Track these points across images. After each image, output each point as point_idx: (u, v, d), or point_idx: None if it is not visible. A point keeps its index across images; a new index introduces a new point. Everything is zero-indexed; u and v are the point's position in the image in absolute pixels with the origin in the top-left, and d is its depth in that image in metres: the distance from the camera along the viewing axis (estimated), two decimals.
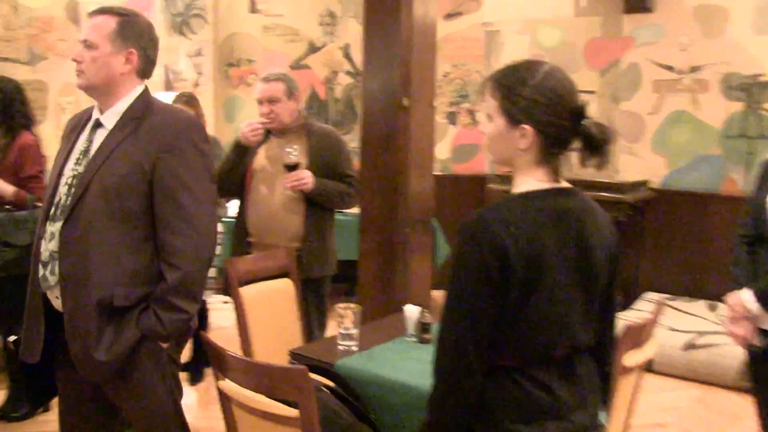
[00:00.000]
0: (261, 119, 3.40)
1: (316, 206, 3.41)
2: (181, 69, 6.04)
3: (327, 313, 3.58)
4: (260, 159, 3.45)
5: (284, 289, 3.20)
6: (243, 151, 3.43)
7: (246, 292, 3.04)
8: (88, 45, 2.18)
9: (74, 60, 2.21)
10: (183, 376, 4.39)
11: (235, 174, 3.45)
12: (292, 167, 3.30)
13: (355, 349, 2.60)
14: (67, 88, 5.49)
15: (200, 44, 6.09)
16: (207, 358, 4.44)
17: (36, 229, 2.29)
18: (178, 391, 2.38)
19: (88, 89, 2.23)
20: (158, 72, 5.98)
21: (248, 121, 3.42)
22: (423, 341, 2.69)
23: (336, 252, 3.59)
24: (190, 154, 2.19)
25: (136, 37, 2.22)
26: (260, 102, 3.45)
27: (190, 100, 4.44)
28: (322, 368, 2.48)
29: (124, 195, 2.13)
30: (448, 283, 1.59)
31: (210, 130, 4.90)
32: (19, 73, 4.65)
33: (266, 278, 3.17)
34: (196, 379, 4.35)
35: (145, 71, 2.27)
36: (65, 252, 2.14)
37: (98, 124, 2.24)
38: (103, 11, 2.22)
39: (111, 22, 2.18)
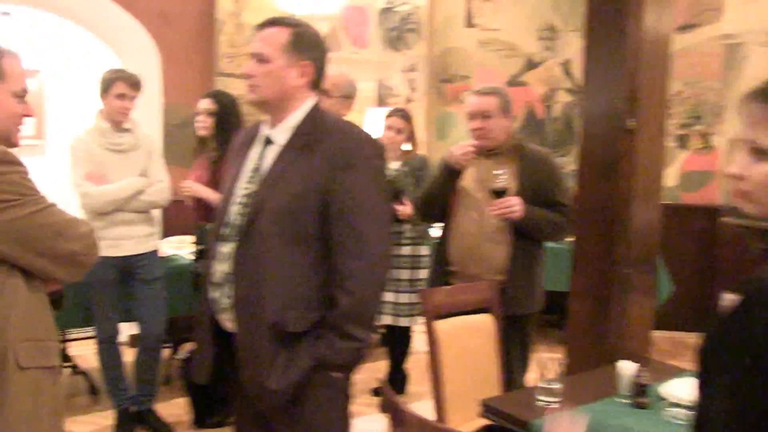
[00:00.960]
0: (472, 142, 3.16)
1: (523, 237, 3.11)
2: (394, 84, 5.96)
3: (530, 355, 3.26)
4: (466, 182, 3.21)
5: (484, 325, 2.93)
6: (452, 175, 3.20)
7: (442, 326, 2.80)
8: (261, 58, 2.07)
9: (246, 75, 2.11)
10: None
11: (441, 198, 3.24)
12: (499, 193, 3.03)
13: (556, 406, 2.27)
14: None
15: (414, 59, 5.98)
16: (401, 385, 4.31)
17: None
18: (349, 426, 2.23)
19: (261, 104, 2.13)
20: (371, 87, 6.02)
21: (459, 143, 3.21)
22: (638, 405, 2.29)
23: (543, 287, 3.27)
24: (365, 172, 2.06)
25: (309, 48, 2.10)
26: (471, 116, 3.21)
27: (404, 115, 4.31)
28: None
29: (298, 215, 2.02)
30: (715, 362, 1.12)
31: (422, 148, 4.72)
32: (238, 88, 4.75)
33: (465, 312, 2.92)
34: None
35: (316, 83, 2.15)
36: (240, 274, 2.06)
37: (269, 141, 2.14)
38: (274, 22, 2.12)
39: (284, 34, 2.08)
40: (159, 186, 3.68)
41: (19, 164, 1.72)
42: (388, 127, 4.25)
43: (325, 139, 2.07)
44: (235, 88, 4.56)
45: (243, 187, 2.13)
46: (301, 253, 2.05)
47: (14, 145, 1.84)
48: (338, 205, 2.02)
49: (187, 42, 5.36)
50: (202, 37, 5.39)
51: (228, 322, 2.12)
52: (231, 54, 5.38)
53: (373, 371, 4.31)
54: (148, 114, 4.98)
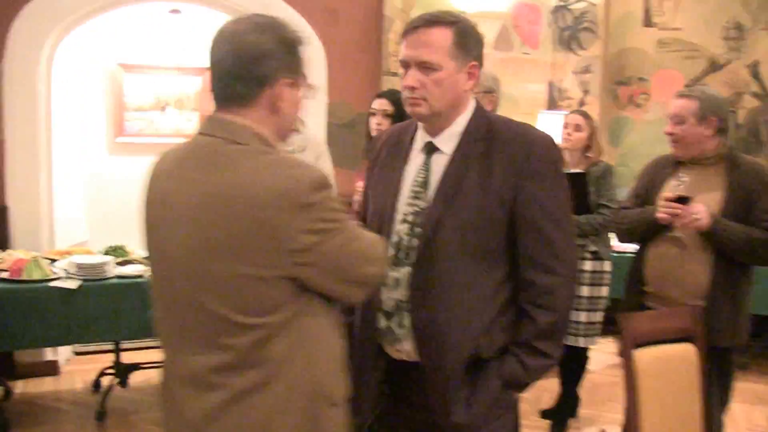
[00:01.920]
0: (670, 195, 2.82)
1: (728, 259, 2.77)
2: (567, 87, 5.65)
3: (730, 390, 2.92)
4: (667, 194, 2.89)
5: (686, 357, 2.63)
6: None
7: (641, 356, 2.52)
8: (427, 66, 1.81)
9: (408, 87, 1.84)
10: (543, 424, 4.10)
11: (646, 231, 2.96)
12: (681, 200, 2.74)
13: None
14: None
15: (588, 60, 5.64)
16: (573, 409, 4.04)
17: None
18: None
19: (431, 118, 1.88)
20: (541, 89, 5.75)
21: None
22: None
23: (749, 316, 2.91)
24: (552, 179, 1.86)
25: (474, 46, 1.88)
26: (669, 119, 2.92)
27: (585, 114, 4.03)
28: None
29: (482, 231, 1.83)
30: None
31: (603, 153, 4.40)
32: None
33: (664, 341, 2.62)
34: (559, 430, 3.96)
35: (474, 84, 1.91)
36: (418, 301, 1.88)
37: (431, 149, 1.92)
38: (432, 22, 1.85)
39: (447, 35, 1.83)
40: None
41: (331, 186, 1.54)
42: (568, 125, 3.97)
43: (502, 144, 1.86)
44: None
45: (407, 203, 1.93)
46: (487, 272, 1.87)
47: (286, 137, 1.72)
48: (528, 217, 1.84)
49: (354, 40, 5.28)
50: (369, 35, 5.29)
51: (399, 352, 1.95)
52: (398, 53, 5.26)
53: (541, 390, 4.06)
54: (313, 113, 4.94)
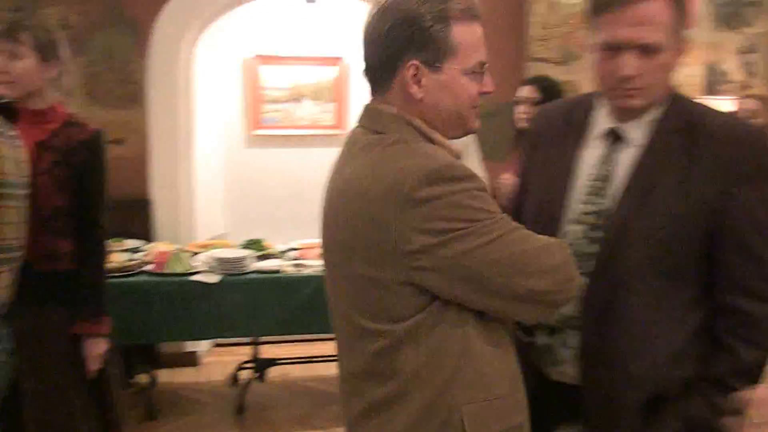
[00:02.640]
0: None
1: None
2: (728, 69, 5.18)
3: None
4: None
5: None
6: None
7: None
8: (648, 49, 1.50)
9: (625, 77, 1.53)
10: None
11: None
12: None
13: None
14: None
15: (753, 39, 5.14)
16: None
17: None
18: None
19: (644, 109, 1.60)
20: (697, 72, 5.30)
21: None
22: None
23: None
24: (766, 186, 1.52)
25: (686, 16, 1.55)
26: None
27: (763, 99, 3.63)
28: None
29: (677, 243, 1.54)
30: None
31: None
32: (552, 74, 4.35)
33: None
34: None
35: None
36: (590, 319, 1.61)
37: (616, 137, 1.63)
38: None
39: (666, 7, 1.51)
40: None
41: (467, 179, 1.33)
42: (741, 112, 3.60)
43: (706, 139, 1.55)
44: (550, 74, 4.16)
45: (582, 200, 1.65)
46: (676, 291, 1.57)
47: (471, 131, 1.50)
48: (737, 230, 1.54)
49: (494, 25, 5.02)
50: (511, 19, 5.04)
51: (559, 374, 1.70)
52: (544, 37, 4.97)
53: None
54: None
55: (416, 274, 1.32)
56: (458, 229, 1.29)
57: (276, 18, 5.59)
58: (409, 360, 1.37)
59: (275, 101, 5.66)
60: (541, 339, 1.71)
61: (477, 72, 1.43)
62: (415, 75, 1.39)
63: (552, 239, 1.45)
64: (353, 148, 1.45)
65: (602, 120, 1.67)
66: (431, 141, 1.42)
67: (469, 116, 1.45)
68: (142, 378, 4.33)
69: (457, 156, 1.49)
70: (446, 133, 1.45)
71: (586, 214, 1.64)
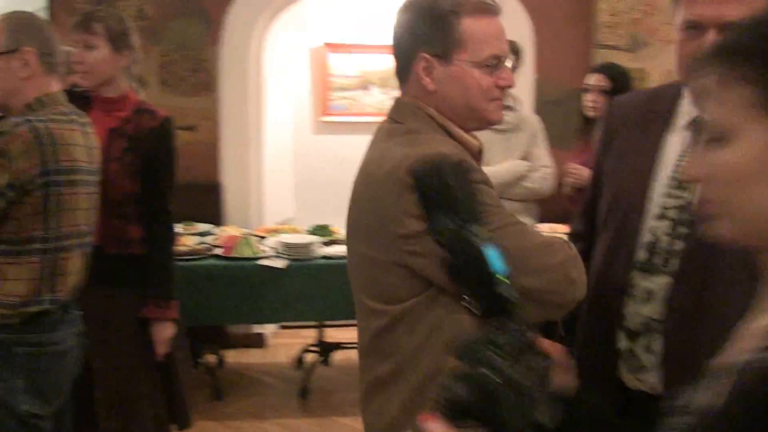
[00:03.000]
0: None
1: None
2: None
3: None
4: None
5: None
6: None
7: None
8: None
9: None
10: None
11: None
12: None
13: None
14: (668, 77, 4.94)
15: None
16: None
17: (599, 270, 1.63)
18: None
19: None
20: None
21: None
22: None
23: None
24: None
25: None
26: None
27: None
28: None
29: None
30: None
31: None
32: (620, 61, 4.26)
33: None
34: None
35: None
36: (676, 323, 1.49)
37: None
38: None
39: None
40: (543, 172, 3.36)
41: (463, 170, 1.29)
42: None
43: None
44: (617, 62, 4.07)
45: (666, 193, 1.54)
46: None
47: (490, 123, 1.50)
48: None
49: (561, 10, 4.94)
50: (578, 5, 4.94)
51: (639, 382, 1.58)
52: (611, 23, 4.86)
53: None
54: (519, 89, 4.69)
55: (408, 258, 1.36)
56: None
57: (344, 6, 5.62)
58: (404, 341, 1.41)
59: (343, 89, 5.71)
60: (622, 342, 1.59)
61: (490, 65, 1.44)
62: (426, 67, 1.44)
63: (556, 237, 1.43)
64: (378, 136, 1.51)
65: (688, 109, 1.55)
66: (448, 132, 1.45)
67: (485, 108, 1.46)
68: (210, 358, 4.44)
69: (478, 150, 1.50)
70: (463, 125, 1.47)
71: (671, 208, 1.53)
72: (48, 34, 2.12)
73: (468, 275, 1.14)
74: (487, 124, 1.50)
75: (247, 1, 4.62)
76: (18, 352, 2.01)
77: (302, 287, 3.75)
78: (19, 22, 2.11)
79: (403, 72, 1.49)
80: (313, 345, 4.62)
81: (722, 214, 0.82)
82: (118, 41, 2.50)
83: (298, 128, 5.65)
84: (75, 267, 2.12)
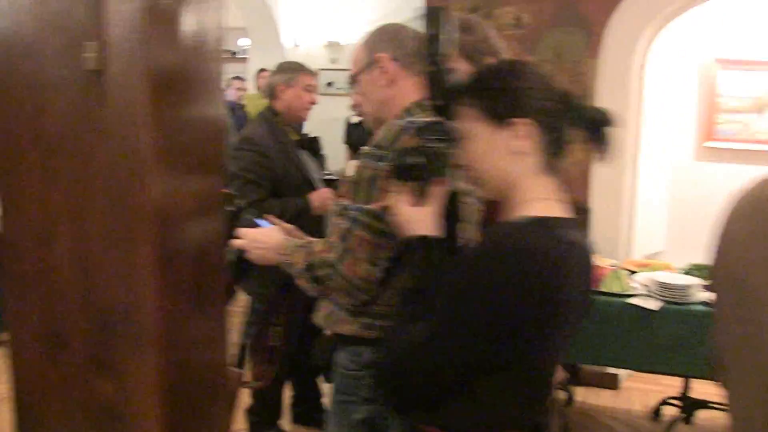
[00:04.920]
0: None
1: None
2: None
3: None
4: None
5: None
6: None
7: None
8: None
9: None
10: None
11: None
12: None
13: None
14: None
15: None
16: None
17: None
18: None
19: None
20: None
21: None
22: None
23: None
24: None
25: None
26: None
27: None
28: None
29: None
30: None
31: None
32: None
33: None
34: None
35: None
36: None
37: None
38: None
39: None
40: None
41: None
42: None
43: None
44: None
45: None
46: None
47: None
48: None
49: None
50: None
51: None
52: None
53: None
54: None
55: None
56: None
57: (741, 18, 4.98)
58: None
59: (733, 111, 5.07)
60: None
61: None
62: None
63: None
64: None
65: None
66: None
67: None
68: (560, 393, 4.15)
69: None
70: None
71: None
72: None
73: None
74: None
75: (631, 11, 4.23)
76: None
77: (674, 334, 3.31)
78: None
79: None
80: (674, 397, 4.11)
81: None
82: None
83: (678, 153, 5.14)
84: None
